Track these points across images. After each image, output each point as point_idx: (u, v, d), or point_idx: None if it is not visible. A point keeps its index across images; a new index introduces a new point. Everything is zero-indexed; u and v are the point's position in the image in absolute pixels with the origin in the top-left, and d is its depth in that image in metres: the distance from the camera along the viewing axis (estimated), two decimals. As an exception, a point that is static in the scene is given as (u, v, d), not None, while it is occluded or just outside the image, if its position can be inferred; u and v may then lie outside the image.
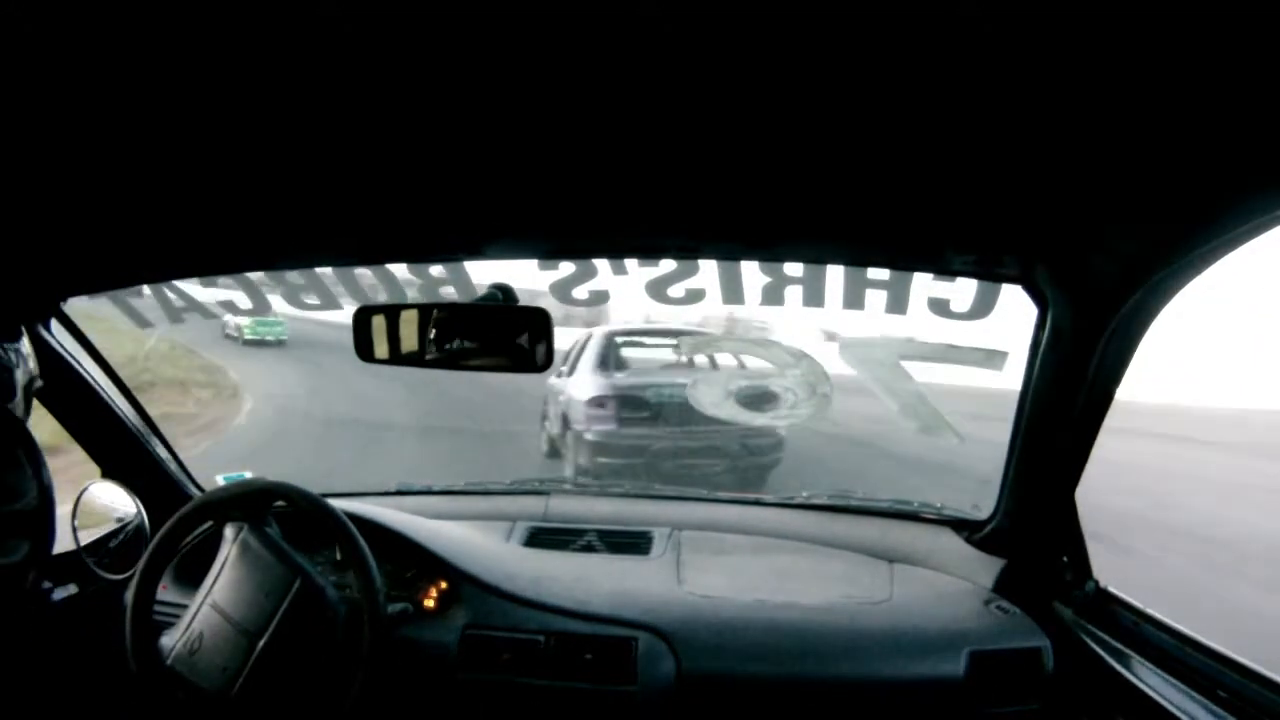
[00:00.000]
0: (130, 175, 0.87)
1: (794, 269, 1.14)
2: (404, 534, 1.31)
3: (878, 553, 1.43)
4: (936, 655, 1.14)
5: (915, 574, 1.36)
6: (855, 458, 5.73)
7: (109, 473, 1.41)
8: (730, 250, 1.10)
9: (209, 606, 1.13)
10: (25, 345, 0.82)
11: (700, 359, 5.13)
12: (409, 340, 1.09)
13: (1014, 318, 1.11)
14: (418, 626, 1.21)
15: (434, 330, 1.08)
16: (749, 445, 4.48)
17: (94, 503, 1.35)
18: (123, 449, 1.40)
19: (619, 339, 5.10)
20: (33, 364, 0.82)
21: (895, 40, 0.55)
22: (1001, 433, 1.18)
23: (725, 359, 5.07)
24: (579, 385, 4.72)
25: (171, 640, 1.14)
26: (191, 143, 0.78)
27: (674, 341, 5.05)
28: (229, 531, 1.17)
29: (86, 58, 0.59)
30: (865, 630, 1.18)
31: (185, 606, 1.18)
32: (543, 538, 1.49)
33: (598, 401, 4.57)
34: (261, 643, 1.08)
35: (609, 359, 4.86)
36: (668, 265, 1.16)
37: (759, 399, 4.01)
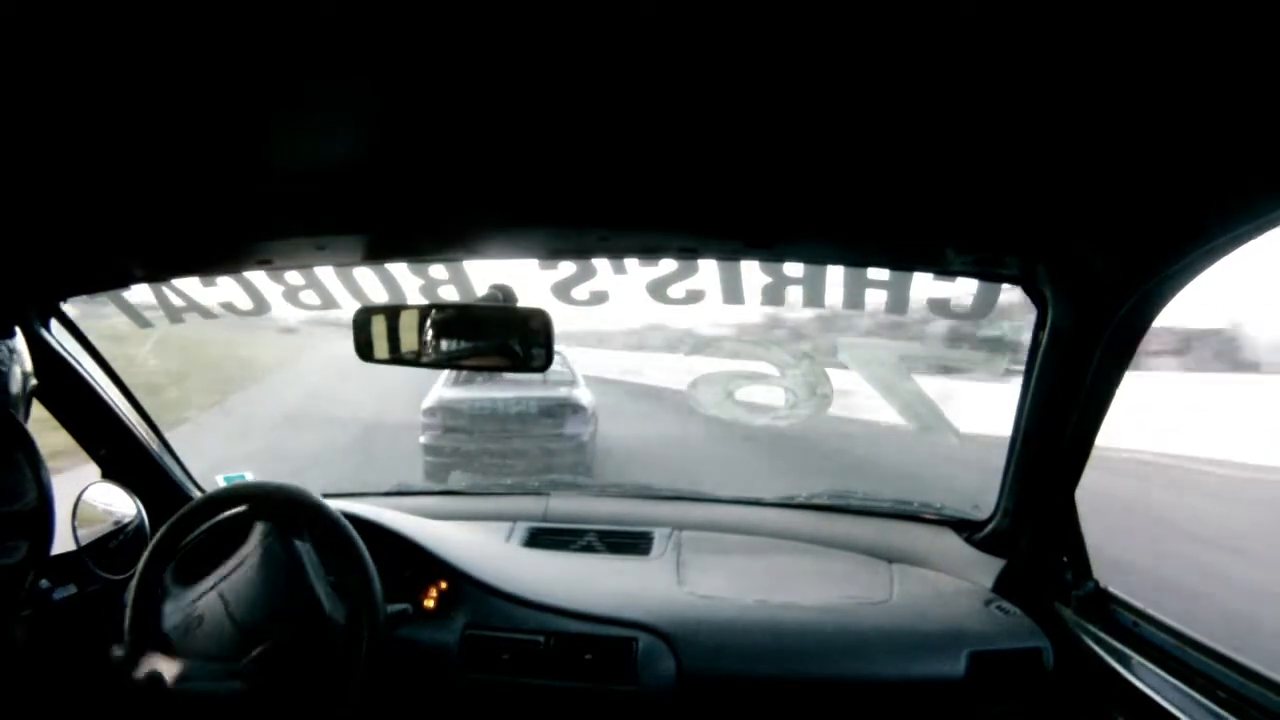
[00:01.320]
0: (130, 175, 0.87)
1: (794, 269, 1.14)
2: (404, 535, 1.31)
3: (878, 553, 1.43)
4: (936, 655, 1.14)
5: (915, 574, 1.36)
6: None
7: (109, 473, 1.41)
8: (730, 250, 1.10)
9: (216, 594, 1.13)
10: (19, 343, 0.81)
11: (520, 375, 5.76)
12: (409, 340, 1.08)
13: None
14: (418, 627, 1.21)
15: (434, 330, 1.08)
16: (547, 448, 5.15)
17: (94, 503, 1.35)
18: (123, 449, 1.40)
19: None
20: (28, 363, 0.81)
21: (896, 41, 0.55)
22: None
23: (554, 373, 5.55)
24: (426, 398, 5.41)
25: (172, 609, 1.13)
26: (191, 143, 0.78)
27: None
28: (259, 529, 1.16)
29: (87, 58, 0.59)
30: (865, 630, 1.18)
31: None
32: (543, 538, 1.49)
33: (430, 412, 5.27)
34: (257, 650, 1.07)
35: (454, 374, 5.39)
36: (668, 265, 1.16)
37: (544, 414, 5.18)
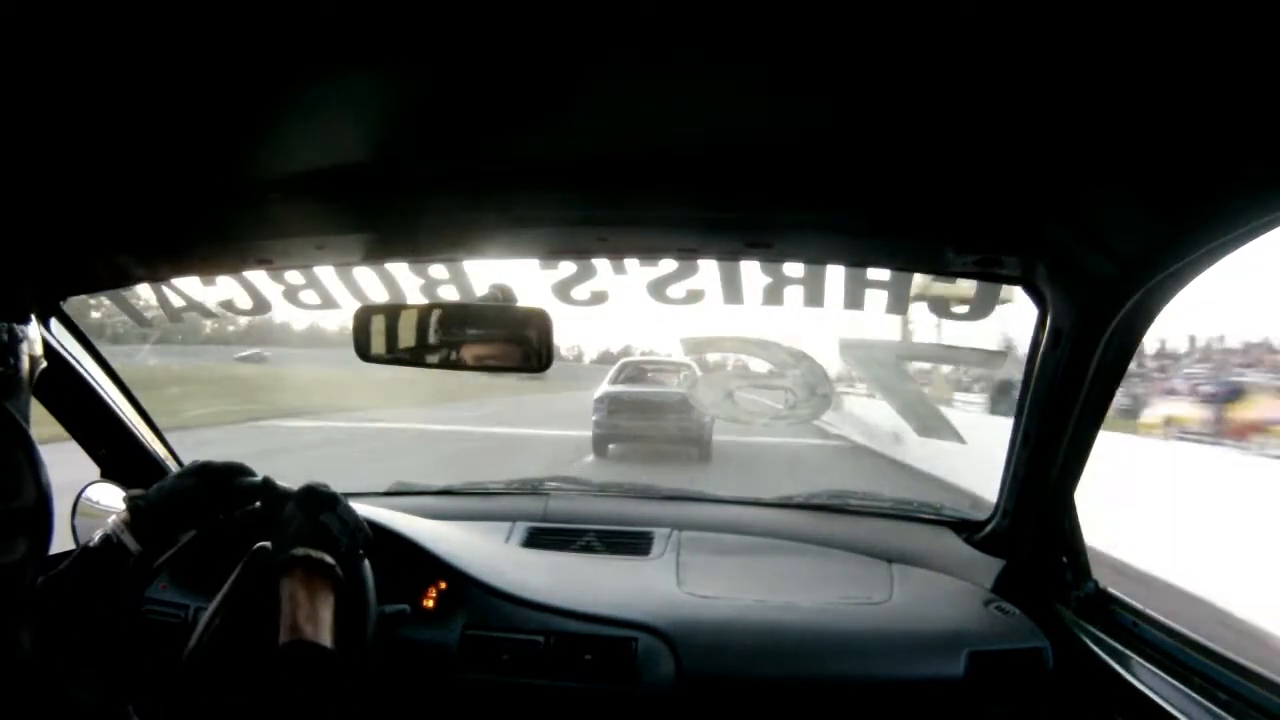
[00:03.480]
0: (130, 175, 0.87)
1: (794, 269, 1.14)
2: (403, 534, 1.31)
3: (877, 553, 1.43)
4: (936, 655, 1.14)
5: (915, 574, 1.36)
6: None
7: (109, 473, 1.41)
8: (730, 250, 1.10)
9: (206, 600, 1.12)
10: (33, 329, 0.81)
11: (659, 377, 9.17)
12: (408, 340, 1.09)
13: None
14: (417, 627, 1.21)
15: (434, 330, 1.08)
16: (680, 426, 7.93)
17: (94, 503, 1.35)
18: (123, 449, 1.40)
19: (629, 364, 9.50)
20: (38, 348, 0.81)
21: (896, 41, 0.55)
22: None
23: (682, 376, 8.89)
24: (597, 391, 8.45)
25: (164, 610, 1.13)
26: (191, 142, 0.78)
27: (656, 365, 9.57)
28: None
29: (87, 58, 0.59)
30: (865, 630, 1.18)
31: (185, 606, 1.18)
32: (542, 538, 1.49)
33: (600, 399, 8.22)
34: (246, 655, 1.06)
35: (618, 375, 8.97)
36: (668, 265, 1.16)
37: (674, 406, 7.90)
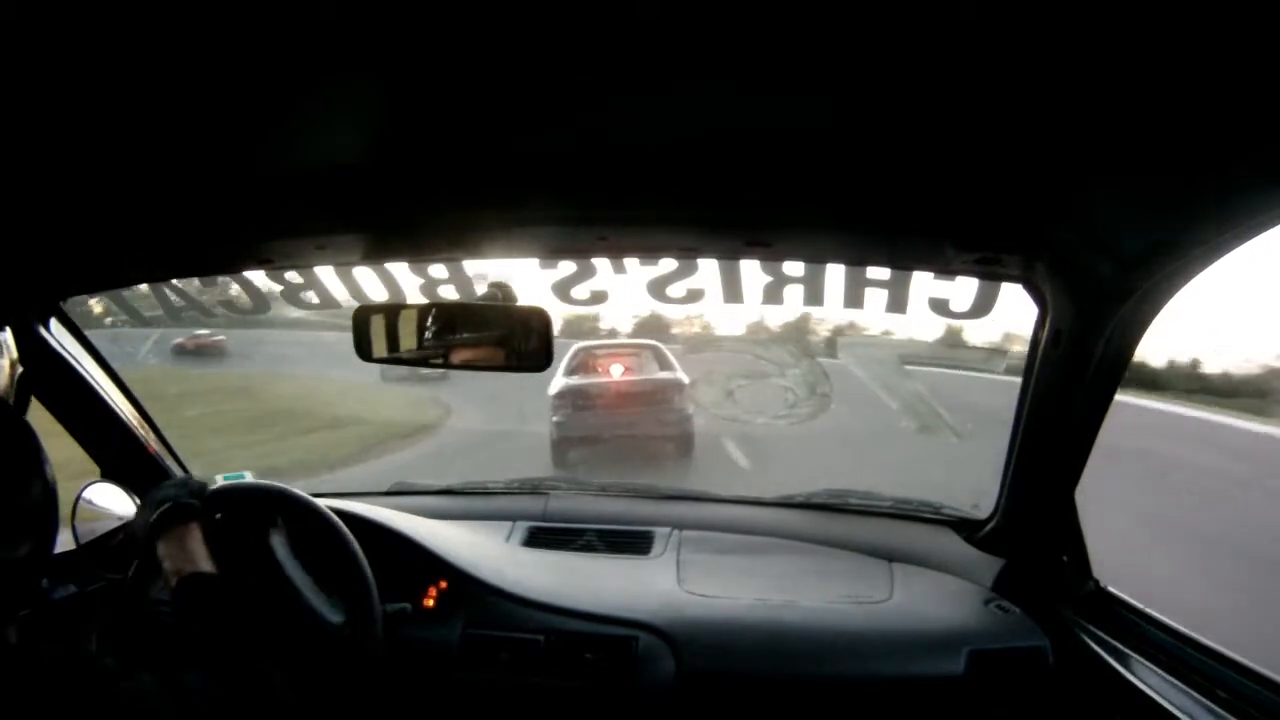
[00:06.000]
0: (130, 175, 0.87)
1: (794, 269, 1.14)
2: (403, 534, 1.31)
3: (878, 553, 1.43)
4: (936, 655, 1.14)
5: (915, 574, 1.36)
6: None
7: (109, 473, 1.41)
8: (730, 249, 1.10)
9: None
10: (7, 336, 0.83)
11: (623, 362, 7.12)
12: (408, 339, 1.09)
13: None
14: (417, 626, 1.21)
15: (433, 329, 1.08)
16: (654, 417, 6.23)
17: (94, 503, 1.35)
18: (123, 449, 1.40)
19: (583, 350, 7.09)
20: (13, 350, 0.83)
21: (896, 39, 0.55)
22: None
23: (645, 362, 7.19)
24: (552, 387, 6.39)
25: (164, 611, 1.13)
26: (191, 142, 0.78)
27: (612, 350, 7.38)
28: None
29: (87, 57, 0.59)
30: (865, 630, 1.18)
31: None
32: (542, 537, 1.49)
33: (558, 396, 6.31)
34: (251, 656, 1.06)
35: (573, 365, 6.73)
36: (668, 265, 1.16)
37: (647, 396, 6.35)
